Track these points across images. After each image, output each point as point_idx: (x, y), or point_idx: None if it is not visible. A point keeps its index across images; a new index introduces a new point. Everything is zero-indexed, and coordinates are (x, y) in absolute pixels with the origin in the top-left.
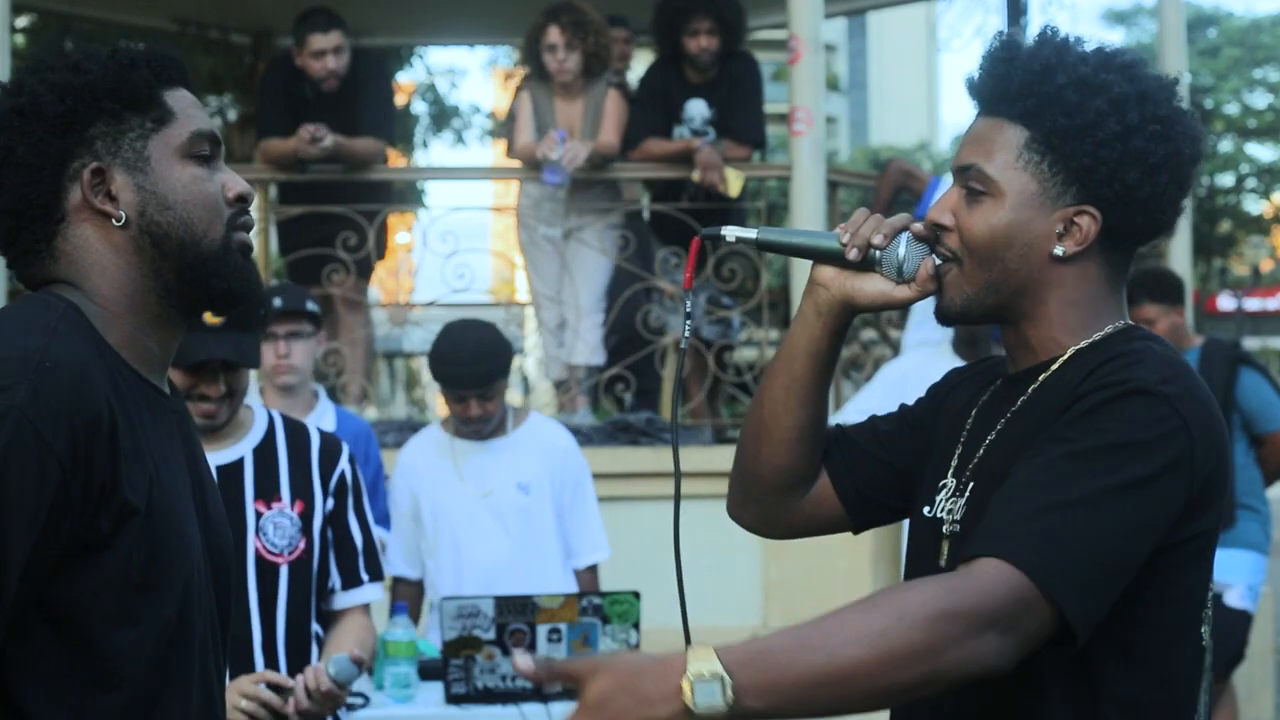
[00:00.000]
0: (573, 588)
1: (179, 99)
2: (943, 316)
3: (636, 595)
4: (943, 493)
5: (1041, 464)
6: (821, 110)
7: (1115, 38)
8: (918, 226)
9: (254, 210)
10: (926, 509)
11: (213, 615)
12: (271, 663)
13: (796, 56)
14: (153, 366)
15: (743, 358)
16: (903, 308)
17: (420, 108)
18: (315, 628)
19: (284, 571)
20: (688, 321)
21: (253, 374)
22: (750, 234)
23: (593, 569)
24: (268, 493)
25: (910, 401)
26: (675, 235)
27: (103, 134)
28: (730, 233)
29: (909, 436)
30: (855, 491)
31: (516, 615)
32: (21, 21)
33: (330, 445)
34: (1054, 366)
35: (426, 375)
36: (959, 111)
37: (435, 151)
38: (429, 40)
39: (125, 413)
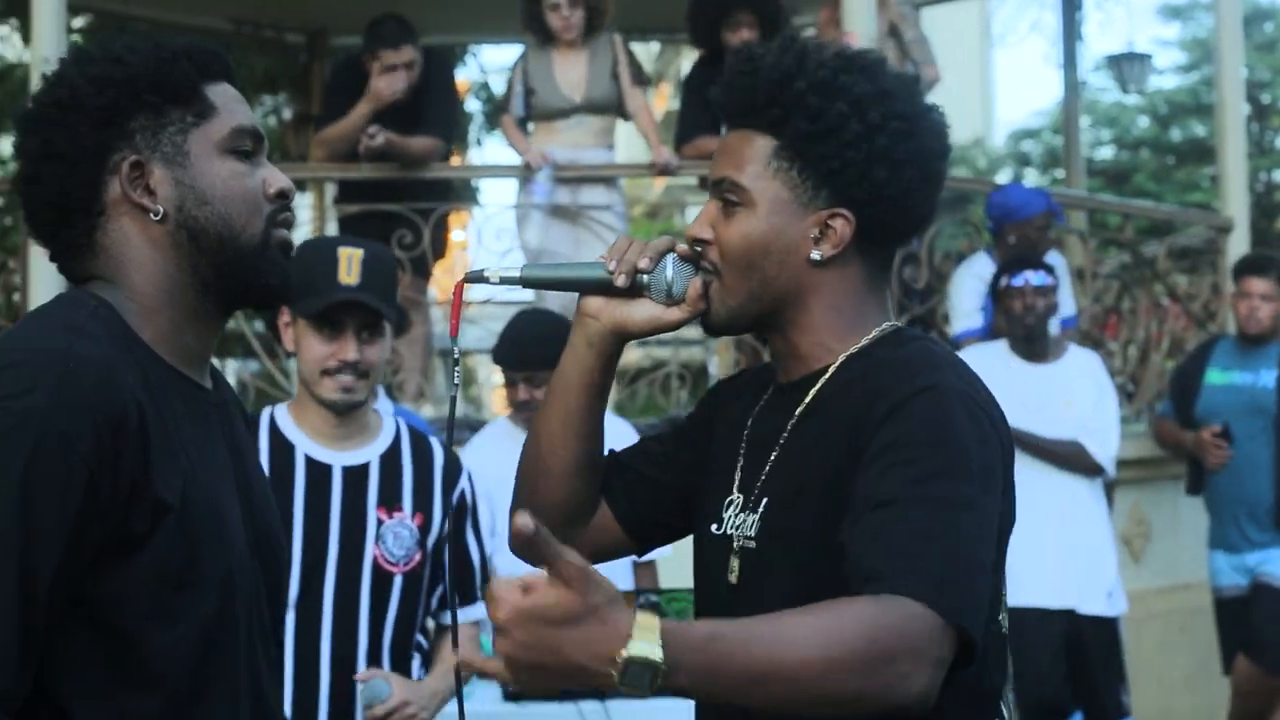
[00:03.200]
0: (631, 584)
1: (221, 93)
2: (708, 329)
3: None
4: (730, 509)
5: (897, 490)
6: None
7: (1171, 32)
8: (682, 247)
9: (311, 208)
10: (715, 526)
11: (261, 610)
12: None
13: None
14: (191, 361)
15: None
16: (674, 329)
17: (475, 106)
18: (418, 638)
19: (398, 582)
20: (457, 369)
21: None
22: (514, 272)
23: (651, 564)
24: (390, 501)
25: None
26: None
27: (142, 127)
28: (495, 273)
29: (683, 454)
30: (634, 516)
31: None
32: (78, 22)
33: (453, 463)
34: (828, 373)
35: (483, 373)
36: (1014, 108)
37: (490, 150)
38: (484, 38)
39: (156, 409)
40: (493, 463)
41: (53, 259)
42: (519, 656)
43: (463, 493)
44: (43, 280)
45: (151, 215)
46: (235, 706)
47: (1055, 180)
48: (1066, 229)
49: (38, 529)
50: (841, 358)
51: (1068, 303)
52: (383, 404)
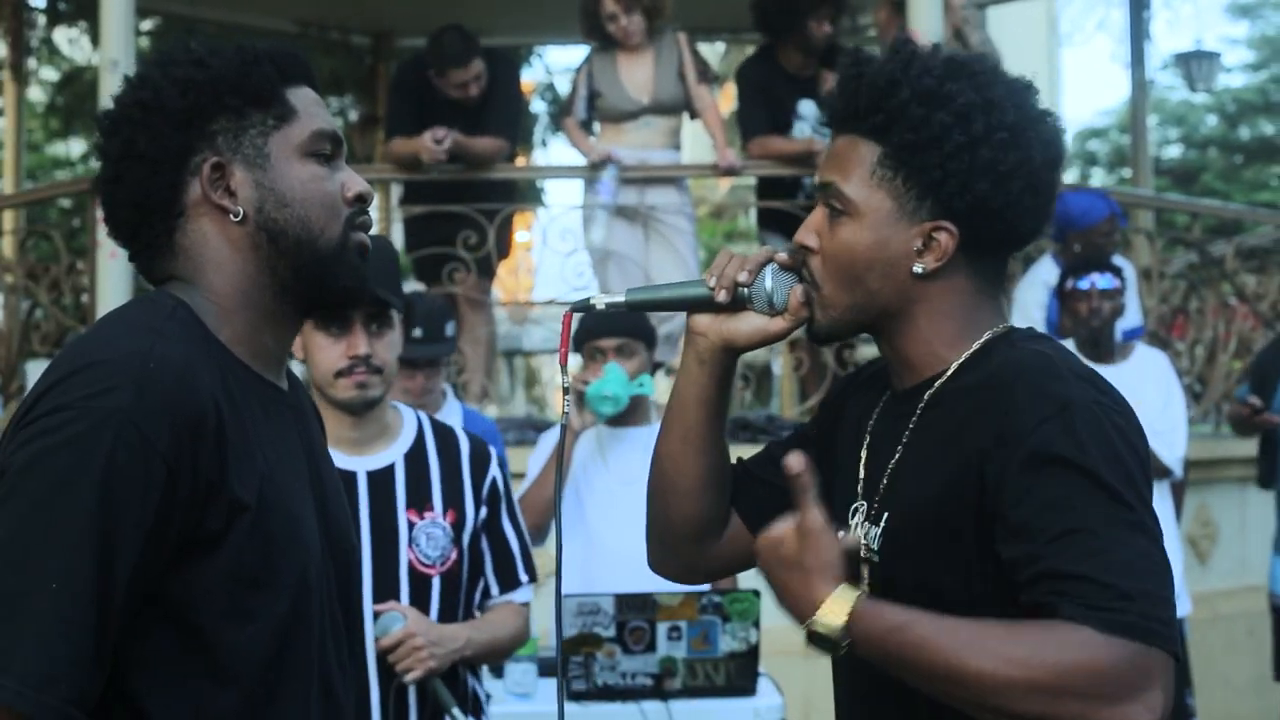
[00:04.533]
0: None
1: (302, 97)
2: (813, 338)
3: (757, 594)
4: (856, 516)
5: (1077, 521)
6: None
7: (1239, 30)
8: (782, 256)
9: (376, 209)
10: (842, 534)
11: (334, 609)
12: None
13: None
14: (268, 362)
15: (863, 354)
16: (782, 339)
17: (540, 106)
18: None
19: (436, 583)
20: (568, 398)
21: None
22: (620, 298)
23: None
24: (420, 502)
25: None
26: (786, 229)
27: (224, 129)
28: (600, 300)
29: (810, 458)
30: (765, 525)
31: (637, 613)
32: (146, 25)
33: (480, 451)
34: (939, 383)
35: (546, 373)
36: (1081, 107)
37: (555, 150)
38: (548, 40)
39: (234, 410)
40: (571, 451)
41: (132, 259)
42: (762, 567)
43: (494, 480)
44: (110, 281)
45: (231, 216)
46: (307, 706)
47: (1122, 180)
48: (1132, 229)
49: (116, 528)
50: (954, 366)
51: (1134, 313)
52: (450, 404)
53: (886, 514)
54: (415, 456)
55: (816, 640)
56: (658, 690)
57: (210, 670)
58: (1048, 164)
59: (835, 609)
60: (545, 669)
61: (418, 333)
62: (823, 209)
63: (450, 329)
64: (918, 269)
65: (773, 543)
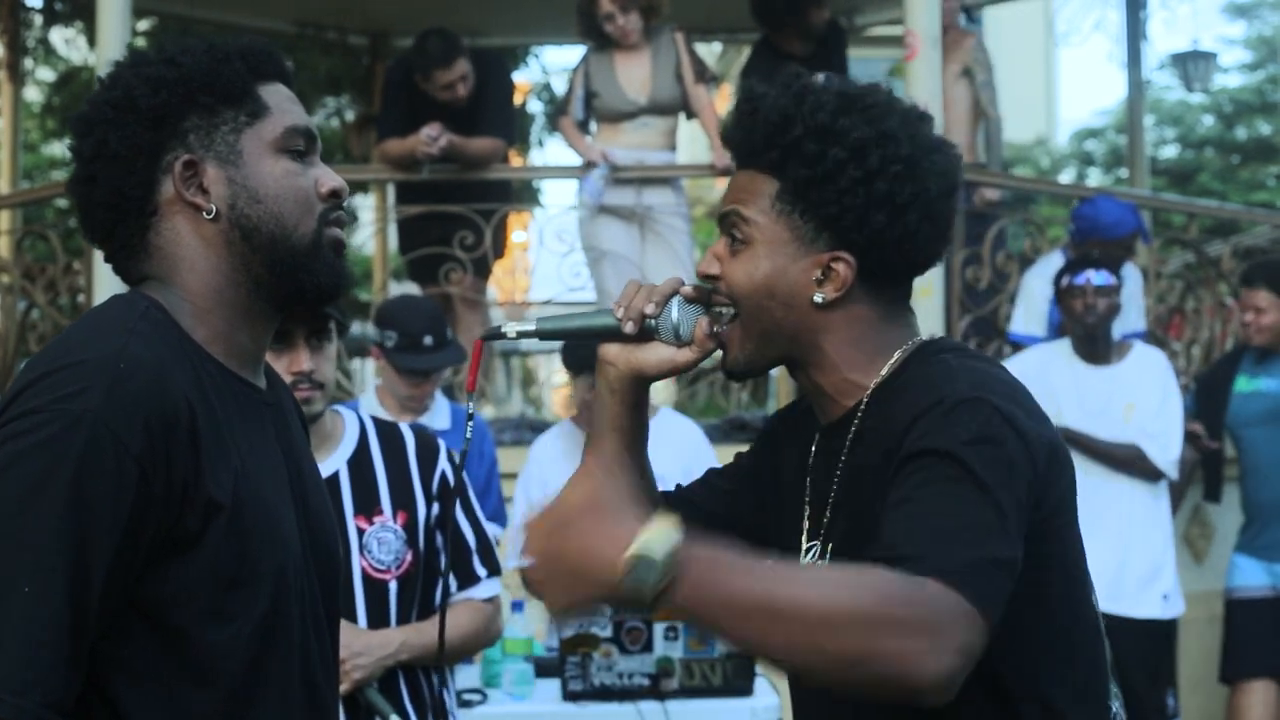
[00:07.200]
0: None
1: (274, 93)
2: (729, 374)
3: None
4: (809, 557)
5: (913, 493)
6: (939, 107)
7: (1236, 30)
8: (687, 289)
9: (371, 210)
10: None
11: (315, 607)
12: (384, 680)
13: (913, 53)
14: (244, 361)
15: None
16: (689, 370)
17: (536, 107)
18: None
19: (393, 588)
20: (470, 423)
21: (371, 379)
22: (530, 326)
23: None
24: (368, 507)
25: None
26: None
27: (196, 127)
28: (511, 329)
29: (746, 491)
30: None
31: (634, 612)
32: (143, 25)
33: (427, 446)
34: (860, 411)
35: (542, 373)
36: (1077, 107)
37: (551, 150)
38: (545, 40)
39: (208, 409)
40: (555, 464)
41: (107, 260)
42: (537, 550)
43: (443, 474)
44: (107, 282)
45: (204, 214)
46: (289, 704)
47: (1119, 180)
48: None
49: (89, 530)
50: (870, 391)
51: (1136, 319)
52: (439, 402)
53: (830, 545)
54: (359, 461)
55: (636, 573)
56: (654, 690)
57: (190, 670)
58: (943, 194)
59: (657, 535)
60: (542, 669)
61: (428, 340)
62: (724, 239)
63: (449, 334)
64: (818, 299)
65: (552, 505)
